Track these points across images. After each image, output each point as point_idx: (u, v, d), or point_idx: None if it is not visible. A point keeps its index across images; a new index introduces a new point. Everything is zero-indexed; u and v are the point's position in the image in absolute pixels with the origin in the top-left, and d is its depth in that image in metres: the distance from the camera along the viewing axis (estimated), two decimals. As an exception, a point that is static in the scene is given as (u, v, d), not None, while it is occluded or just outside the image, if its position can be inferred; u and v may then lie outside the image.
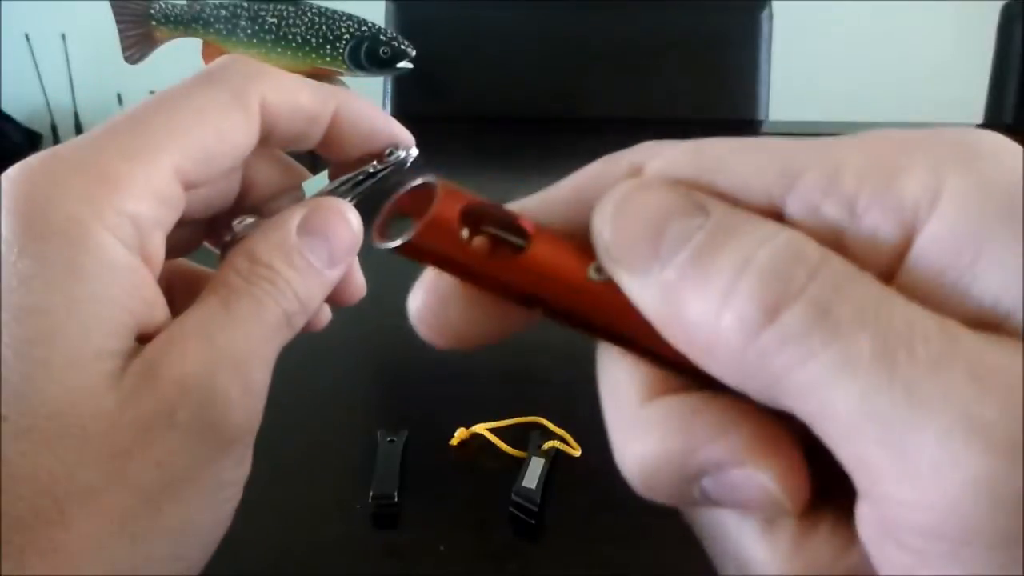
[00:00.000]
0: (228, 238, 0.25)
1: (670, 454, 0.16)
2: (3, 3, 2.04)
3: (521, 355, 0.58)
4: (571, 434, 0.49)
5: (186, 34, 0.82)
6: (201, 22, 0.81)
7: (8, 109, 2.09)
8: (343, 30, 0.80)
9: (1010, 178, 0.14)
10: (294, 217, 0.24)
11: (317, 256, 0.23)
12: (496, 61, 1.26)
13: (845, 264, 0.14)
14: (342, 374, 0.59)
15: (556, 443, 0.48)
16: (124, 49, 0.83)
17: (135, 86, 1.54)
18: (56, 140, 2.12)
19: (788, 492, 0.15)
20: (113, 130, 0.22)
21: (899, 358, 0.13)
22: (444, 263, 0.17)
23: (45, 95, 2.17)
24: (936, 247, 0.14)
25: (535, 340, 0.57)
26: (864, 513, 0.15)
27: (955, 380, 0.13)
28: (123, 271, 0.21)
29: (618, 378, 0.17)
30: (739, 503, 0.16)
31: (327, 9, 0.81)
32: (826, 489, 0.16)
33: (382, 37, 0.81)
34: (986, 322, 0.14)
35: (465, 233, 0.17)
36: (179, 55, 0.83)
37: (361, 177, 0.26)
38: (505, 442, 0.49)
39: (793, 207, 0.16)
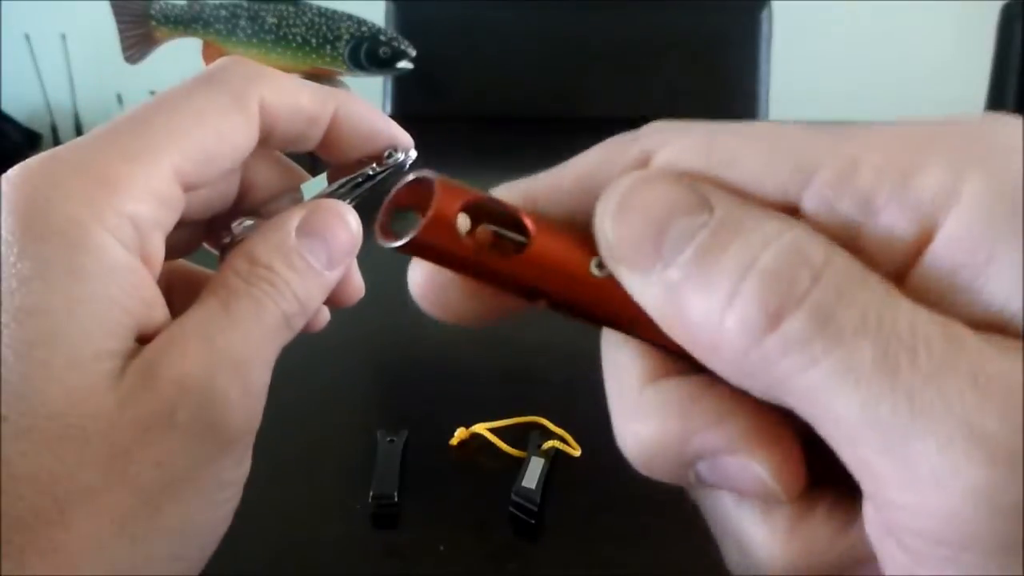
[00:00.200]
0: (227, 239, 0.25)
1: (667, 438, 0.16)
2: (3, 3, 2.03)
3: (521, 355, 0.58)
4: (571, 434, 0.49)
5: (186, 34, 0.82)
6: (201, 22, 0.81)
7: (8, 109, 2.09)
8: (343, 30, 0.80)
9: None
10: (293, 219, 0.24)
11: (316, 257, 0.24)
12: (496, 61, 1.26)
13: (850, 265, 0.14)
14: (342, 374, 0.59)
15: (556, 443, 0.48)
16: (124, 49, 0.83)
17: (135, 86, 1.54)
18: (56, 140, 2.12)
19: (782, 481, 0.15)
20: (113, 131, 0.22)
21: (901, 365, 0.13)
22: (446, 260, 0.17)
23: (45, 95, 2.17)
24: (952, 247, 0.14)
25: (535, 340, 0.57)
26: (869, 512, 0.15)
27: (956, 388, 0.13)
28: (123, 272, 0.21)
29: (621, 360, 0.17)
30: (734, 488, 0.16)
31: (327, 9, 0.81)
32: (825, 471, 0.16)
33: (382, 37, 0.81)
34: (995, 323, 0.14)
35: (467, 225, 0.17)
36: (179, 55, 0.84)
37: (360, 179, 0.26)
38: (505, 442, 0.49)
39: (809, 203, 0.15)
